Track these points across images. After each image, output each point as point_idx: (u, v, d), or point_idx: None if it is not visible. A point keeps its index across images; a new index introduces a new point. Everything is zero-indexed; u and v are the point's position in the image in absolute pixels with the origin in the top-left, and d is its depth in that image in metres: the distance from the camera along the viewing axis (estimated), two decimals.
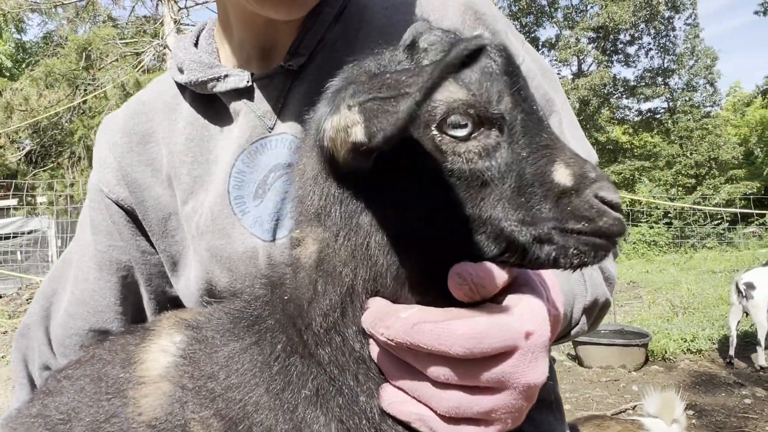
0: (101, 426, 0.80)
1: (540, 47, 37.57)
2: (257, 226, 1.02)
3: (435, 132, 0.58)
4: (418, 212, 0.60)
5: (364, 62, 0.65)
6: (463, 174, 0.58)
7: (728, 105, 45.45)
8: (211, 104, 1.11)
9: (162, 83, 1.22)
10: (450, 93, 0.57)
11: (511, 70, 0.60)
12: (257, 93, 1.06)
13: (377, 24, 1.05)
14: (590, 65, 37.16)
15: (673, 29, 37.24)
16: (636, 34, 36.99)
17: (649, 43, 37.67)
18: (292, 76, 1.05)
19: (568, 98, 1.11)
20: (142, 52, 13.92)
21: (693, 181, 34.42)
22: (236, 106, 1.07)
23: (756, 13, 33.55)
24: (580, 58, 37.25)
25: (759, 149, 39.78)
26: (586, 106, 33.65)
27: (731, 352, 6.32)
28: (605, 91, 36.10)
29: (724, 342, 6.82)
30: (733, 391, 5.46)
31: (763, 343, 6.04)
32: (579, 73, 36.97)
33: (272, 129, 1.05)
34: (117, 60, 14.18)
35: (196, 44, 1.18)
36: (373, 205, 0.61)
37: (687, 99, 36.98)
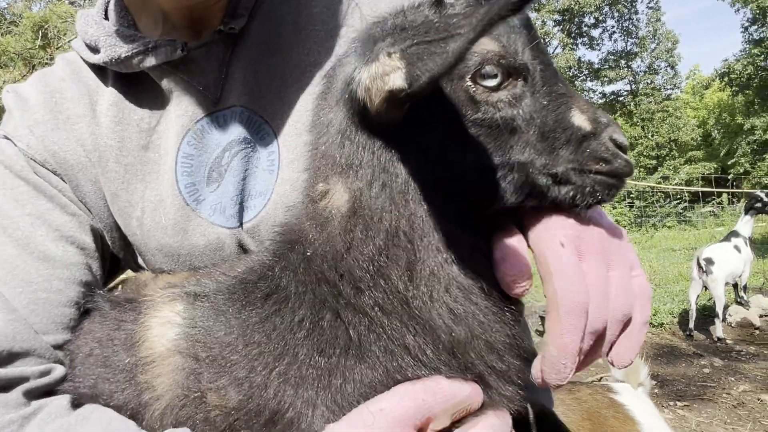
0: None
1: None
2: (218, 213, 0.92)
3: (469, 83, 0.60)
4: (451, 158, 0.62)
5: (387, 20, 0.65)
6: (495, 122, 0.61)
7: (688, 88, 46.60)
8: (137, 83, 0.95)
9: (77, 63, 1.01)
10: (483, 45, 0.59)
11: (529, 25, 0.63)
12: (195, 64, 0.92)
13: None
14: (556, 48, 37.55)
15: (636, 12, 37.93)
16: (600, 17, 37.53)
17: (613, 26, 38.31)
18: (232, 40, 0.93)
19: None
20: None
21: (654, 162, 35.33)
22: (171, 82, 0.92)
23: None
24: (546, 41, 37.57)
25: (716, 131, 41.00)
26: None
27: (691, 324, 6.57)
28: (570, 74, 36.61)
29: (684, 316, 7.09)
30: (692, 362, 5.70)
31: (720, 315, 6.30)
32: None
33: (217, 103, 0.93)
34: (76, 38, 13.62)
35: (106, 18, 0.99)
36: (405, 154, 0.63)
37: (649, 82, 37.81)
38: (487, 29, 0.48)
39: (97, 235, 0.95)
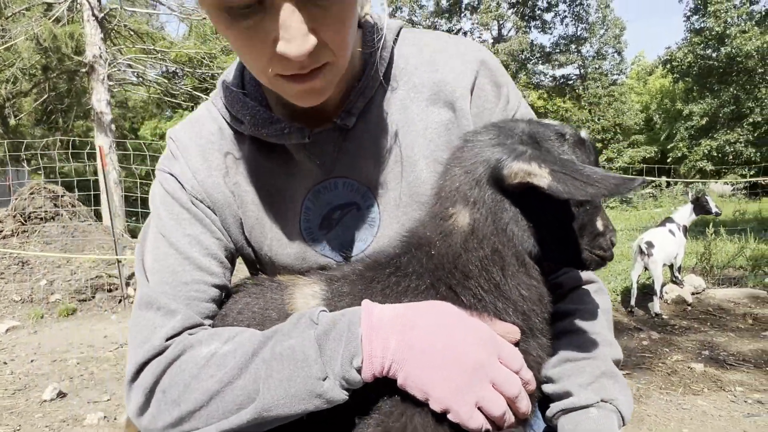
0: None
1: (462, 11, 38.06)
2: (328, 250, 1.22)
3: None
4: (536, 219, 0.99)
5: (519, 123, 1.03)
6: (565, 213, 1.01)
7: (632, 73, 48.36)
8: (268, 146, 1.20)
9: (220, 119, 1.25)
10: None
11: (594, 162, 1.03)
12: (316, 145, 1.18)
13: (413, 82, 1.23)
14: (509, 30, 38.22)
15: None
16: (553, 1, 38.31)
17: (565, 11, 39.20)
18: (344, 131, 1.19)
19: None
20: (55, 2, 12.94)
21: (600, 145, 36.70)
22: (297, 154, 1.19)
23: None
24: (500, 23, 38.19)
25: (658, 116, 42.90)
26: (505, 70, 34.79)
27: (632, 302, 7.17)
28: (523, 57, 37.38)
29: (626, 293, 7.74)
30: (633, 335, 6.30)
31: (658, 293, 6.96)
32: (499, 38, 37.93)
33: (331, 173, 1.20)
34: (28, 9, 13.08)
35: (242, 84, 1.23)
36: (510, 207, 0.99)
37: (597, 67, 39.05)
38: (612, 195, 0.84)
39: (231, 254, 1.25)
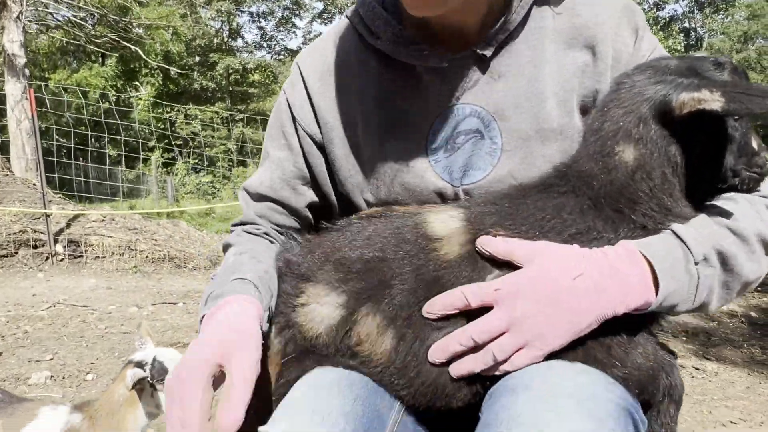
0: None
1: None
2: (446, 173, 1.23)
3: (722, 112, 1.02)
4: (700, 147, 1.06)
5: (671, 59, 1.09)
6: (730, 135, 1.07)
7: None
8: (397, 65, 1.22)
9: (347, 38, 1.28)
10: None
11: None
12: (450, 70, 1.19)
13: (550, 27, 1.25)
14: None
15: None
16: None
17: None
18: (480, 60, 1.20)
19: None
20: None
21: None
22: (429, 78, 1.20)
23: None
24: None
25: None
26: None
27: None
28: None
29: None
30: None
31: None
32: None
33: (459, 99, 1.21)
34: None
35: (383, 4, 1.24)
36: (674, 142, 1.05)
37: None
38: None
39: (307, 182, 1.34)
